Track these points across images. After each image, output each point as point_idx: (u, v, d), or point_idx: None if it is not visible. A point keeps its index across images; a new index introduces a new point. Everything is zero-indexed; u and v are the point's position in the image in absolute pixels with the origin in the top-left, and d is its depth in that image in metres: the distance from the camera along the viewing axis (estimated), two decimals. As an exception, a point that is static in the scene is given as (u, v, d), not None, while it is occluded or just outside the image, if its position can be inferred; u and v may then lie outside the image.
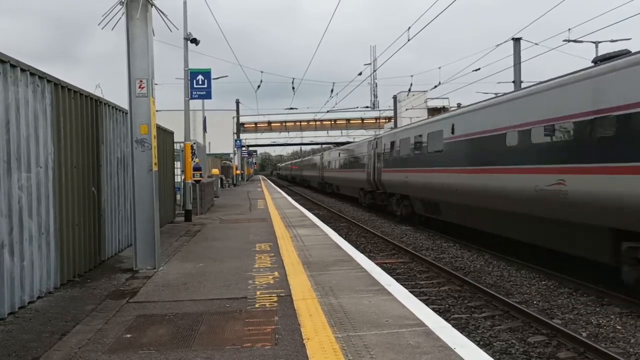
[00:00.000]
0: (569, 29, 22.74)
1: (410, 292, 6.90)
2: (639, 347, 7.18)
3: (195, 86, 18.09)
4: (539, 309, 9.13)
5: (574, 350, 7.12)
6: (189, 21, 17.47)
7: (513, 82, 24.85)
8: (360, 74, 28.90)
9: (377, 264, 9.29)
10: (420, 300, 6.56)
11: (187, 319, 5.79)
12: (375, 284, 7.19)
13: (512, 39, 24.23)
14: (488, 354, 4.98)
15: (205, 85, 18.27)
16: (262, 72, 45.12)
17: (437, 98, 55.05)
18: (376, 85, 78.75)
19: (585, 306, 9.19)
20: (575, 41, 23.40)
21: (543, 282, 10.95)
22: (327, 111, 48.50)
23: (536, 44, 23.56)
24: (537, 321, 8.19)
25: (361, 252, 10.44)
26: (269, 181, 69.36)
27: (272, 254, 9.85)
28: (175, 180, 17.89)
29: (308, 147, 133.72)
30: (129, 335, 5.28)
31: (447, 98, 58.32)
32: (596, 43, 25.87)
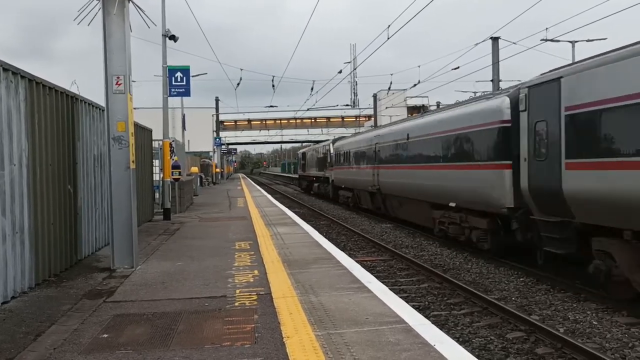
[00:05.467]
0: (547, 28, 23.06)
1: (390, 289, 6.91)
2: (614, 342, 7.28)
3: (173, 83, 17.94)
4: (517, 305, 9.21)
5: (552, 345, 7.19)
6: (167, 18, 17.29)
7: (492, 80, 25.07)
8: (340, 72, 28.92)
9: (357, 261, 9.29)
10: (400, 297, 6.57)
11: (166, 318, 5.72)
12: (355, 281, 7.19)
13: (491, 38, 24.43)
14: (467, 350, 5.00)
15: (184, 83, 18.14)
16: (241, 69, 44.74)
17: (416, 97, 55.35)
18: (356, 84, 79.01)
19: (562, 302, 9.29)
20: (552, 40, 23.69)
21: (521, 279, 11.06)
22: (308, 109, 48.43)
23: (514, 43, 23.77)
24: (516, 317, 8.27)
25: (341, 250, 10.44)
26: (249, 180, 69.09)
27: (252, 252, 9.79)
28: (154, 179, 17.70)
29: (288, 146, 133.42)
30: (105, 335, 5.20)
31: (427, 97, 58.60)
32: (573, 42, 26.20)
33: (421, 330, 5.00)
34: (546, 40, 23.40)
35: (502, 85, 23.97)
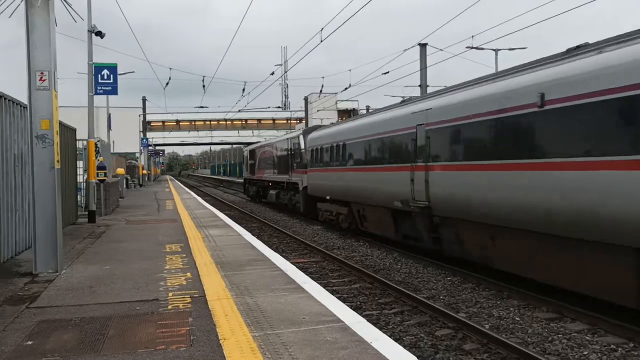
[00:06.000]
0: (472, 36, 23.99)
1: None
2: (535, 336, 7.66)
3: (100, 81, 17.35)
4: (446, 303, 9.51)
5: (478, 341, 7.48)
6: (94, 14, 16.70)
7: (420, 85, 25.77)
8: (272, 73, 28.87)
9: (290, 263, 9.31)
10: (334, 297, 6.63)
11: (95, 323, 5.52)
12: (290, 282, 7.20)
13: (419, 44, 25.12)
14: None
15: (111, 81, 17.60)
16: (171, 69, 43.78)
17: (347, 100, 56.09)
18: (287, 86, 79.08)
19: (487, 300, 9.68)
20: (477, 48, 24.67)
21: (448, 278, 11.42)
22: (239, 110, 48.00)
23: (441, 49, 24.56)
24: (444, 315, 8.54)
25: (275, 252, 10.41)
26: (177, 182, 67.63)
27: (184, 255, 9.60)
28: (78, 180, 17.03)
29: (218, 147, 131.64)
30: (30, 343, 4.95)
31: (357, 100, 59.50)
32: (496, 50, 27.41)
33: (357, 328, 5.08)
34: (471, 47, 24.34)
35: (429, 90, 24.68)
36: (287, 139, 27.35)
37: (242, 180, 58.88)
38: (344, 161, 17.77)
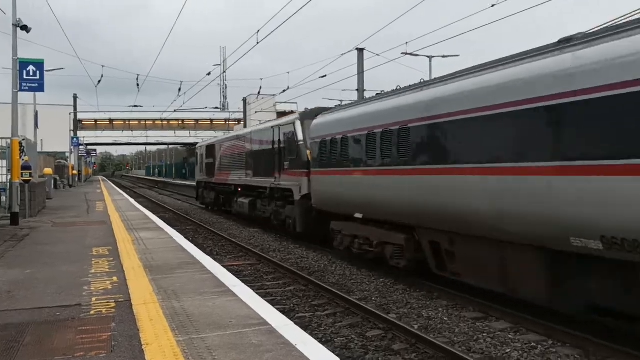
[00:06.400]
0: (406, 43, 24.51)
1: (256, 293, 6.92)
2: (462, 336, 7.88)
3: (25, 77, 16.58)
4: (377, 304, 9.64)
5: (407, 342, 7.62)
6: (21, 8, 15.96)
7: (357, 90, 26.08)
8: (209, 74, 28.50)
9: (224, 266, 9.18)
10: (266, 301, 6.59)
11: (10, 330, 5.26)
12: (220, 285, 7.11)
13: (356, 48, 25.43)
14: (329, 349, 5.14)
15: (37, 77, 16.85)
16: (103, 66, 42.24)
17: (285, 102, 56.08)
18: (226, 87, 78.34)
19: (417, 301, 9.88)
20: (411, 54, 25.22)
21: (381, 280, 11.59)
22: (175, 110, 47.06)
23: (377, 54, 24.99)
24: (375, 316, 8.65)
25: (208, 255, 10.26)
26: (110, 183, 65.62)
27: (111, 258, 9.31)
28: (0, 180, 16.25)
29: (154, 148, 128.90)
30: (-64, 352, 4.66)
31: (296, 103, 59.52)
32: (430, 57, 28.11)
33: (284, 331, 5.07)
34: (406, 53, 24.87)
35: (366, 94, 25.03)
36: (273, 127, 19.00)
37: (179, 182, 57.47)
38: (402, 158, 10.53)
